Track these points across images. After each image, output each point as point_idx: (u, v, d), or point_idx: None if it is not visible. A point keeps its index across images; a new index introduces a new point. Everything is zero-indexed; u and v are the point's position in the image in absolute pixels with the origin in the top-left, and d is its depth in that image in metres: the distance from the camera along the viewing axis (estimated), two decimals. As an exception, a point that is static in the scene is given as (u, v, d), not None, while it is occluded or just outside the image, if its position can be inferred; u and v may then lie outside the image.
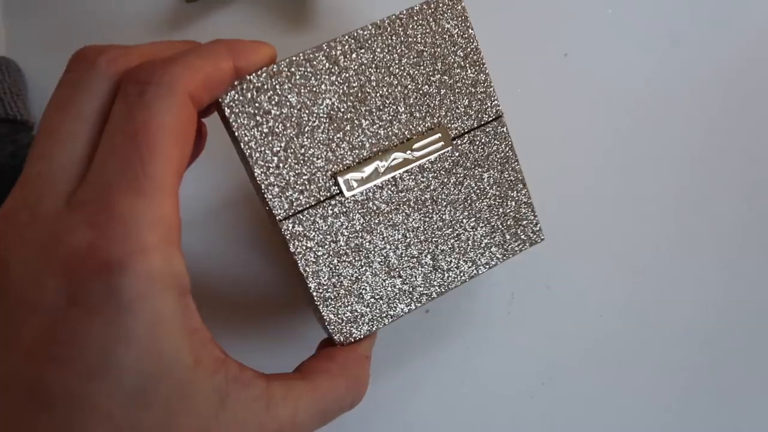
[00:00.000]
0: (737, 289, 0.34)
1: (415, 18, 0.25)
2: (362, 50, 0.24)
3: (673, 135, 0.36)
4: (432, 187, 0.26)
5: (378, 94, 0.25)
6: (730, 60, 0.37)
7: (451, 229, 0.26)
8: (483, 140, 0.26)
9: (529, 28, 0.36)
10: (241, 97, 0.23)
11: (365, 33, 0.24)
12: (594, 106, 0.36)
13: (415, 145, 0.25)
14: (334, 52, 0.24)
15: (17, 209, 0.19)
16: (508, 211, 0.27)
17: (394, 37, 0.25)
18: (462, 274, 0.27)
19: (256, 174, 0.23)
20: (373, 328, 0.26)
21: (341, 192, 0.24)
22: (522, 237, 0.27)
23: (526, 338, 0.33)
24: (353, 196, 0.25)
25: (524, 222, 0.27)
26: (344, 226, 0.25)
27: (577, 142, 0.35)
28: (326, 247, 0.25)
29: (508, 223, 0.27)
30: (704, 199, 0.35)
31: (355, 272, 0.25)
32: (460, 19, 0.25)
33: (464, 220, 0.27)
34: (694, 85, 0.36)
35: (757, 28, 0.38)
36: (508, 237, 0.27)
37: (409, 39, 0.25)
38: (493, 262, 0.27)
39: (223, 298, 0.32)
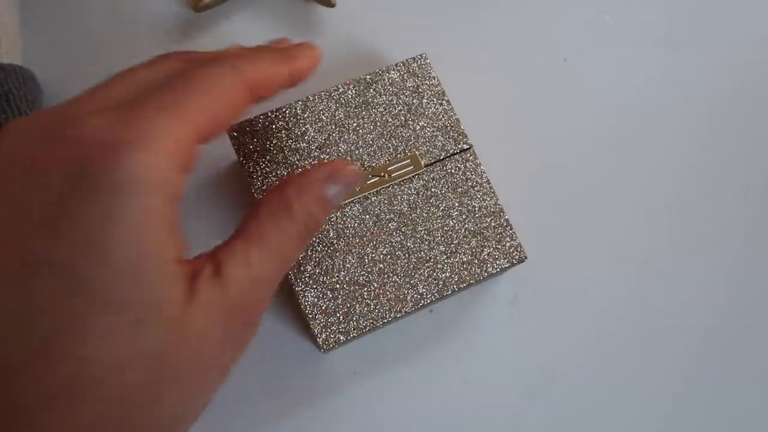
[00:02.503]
0: (739, 286, 0.35)
1: (385, 77, 0.30)
2: (339, 103, 0.30)
3: (673, 139, 0.36)
4: (409, 206, 0.29)
5: (355, 133, 0.30)
6: (730, 65, 0.37)
7: (428, 246, 0.29)
8: (454, 167, 0.30)
9: (528, 32, 0.37)
10: (243, 131, 0.29)
11: (342, 88, 0.30)
12: (592, 109, 0.36)
13: (390, 168, 0.29)
14: (317, 100, 0.30)
15: (51, 111, 0.20)
16: (487, 231, 0.29)
17: (369, 89, 0.30)
18: (443, 289, 0.28)
19: (252, 183, 0.28)
20: (354, 335, 0.28)
21: None
22: (501, 256, 0.29)
23: (529, 337, 0.33)
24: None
25: (504, 241, 0.29)
26: (324, 235, 0.28)
27: (575, 142, 0.36)
28: (309, 252, 0.28)
29: (488, 241, 0.29)
30: (703, 201, 0.36)
31: (335, 277, 0.28)
32: (427, 75, 0.30)
33: (442, 238, 0.29)
34: (692, 90, 0.37)
35: (757, 34, 0.38)
36: (487, 256, 0.29)
37: (387, 89, 0.30)
38: (473, 280, 0.29)
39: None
